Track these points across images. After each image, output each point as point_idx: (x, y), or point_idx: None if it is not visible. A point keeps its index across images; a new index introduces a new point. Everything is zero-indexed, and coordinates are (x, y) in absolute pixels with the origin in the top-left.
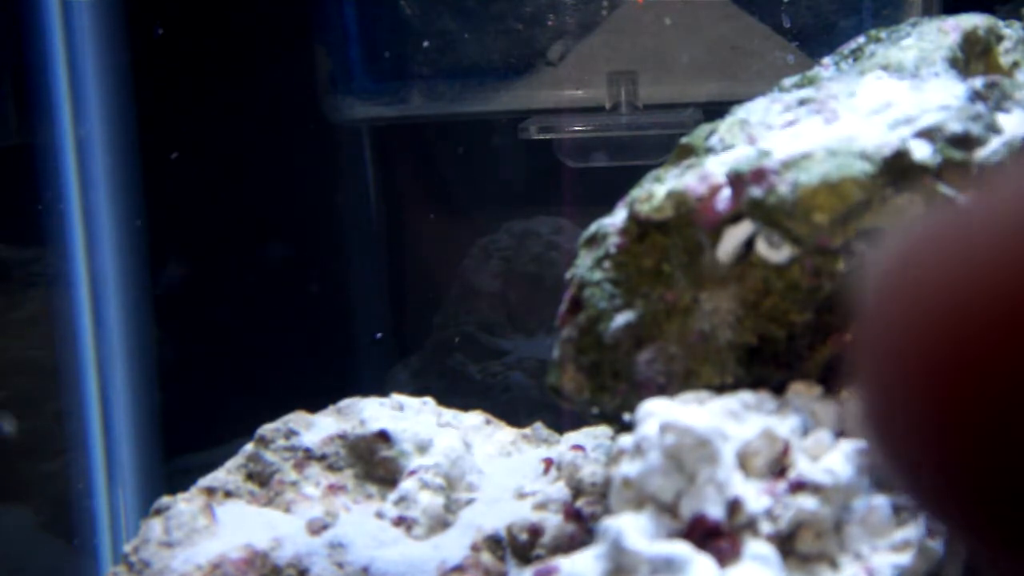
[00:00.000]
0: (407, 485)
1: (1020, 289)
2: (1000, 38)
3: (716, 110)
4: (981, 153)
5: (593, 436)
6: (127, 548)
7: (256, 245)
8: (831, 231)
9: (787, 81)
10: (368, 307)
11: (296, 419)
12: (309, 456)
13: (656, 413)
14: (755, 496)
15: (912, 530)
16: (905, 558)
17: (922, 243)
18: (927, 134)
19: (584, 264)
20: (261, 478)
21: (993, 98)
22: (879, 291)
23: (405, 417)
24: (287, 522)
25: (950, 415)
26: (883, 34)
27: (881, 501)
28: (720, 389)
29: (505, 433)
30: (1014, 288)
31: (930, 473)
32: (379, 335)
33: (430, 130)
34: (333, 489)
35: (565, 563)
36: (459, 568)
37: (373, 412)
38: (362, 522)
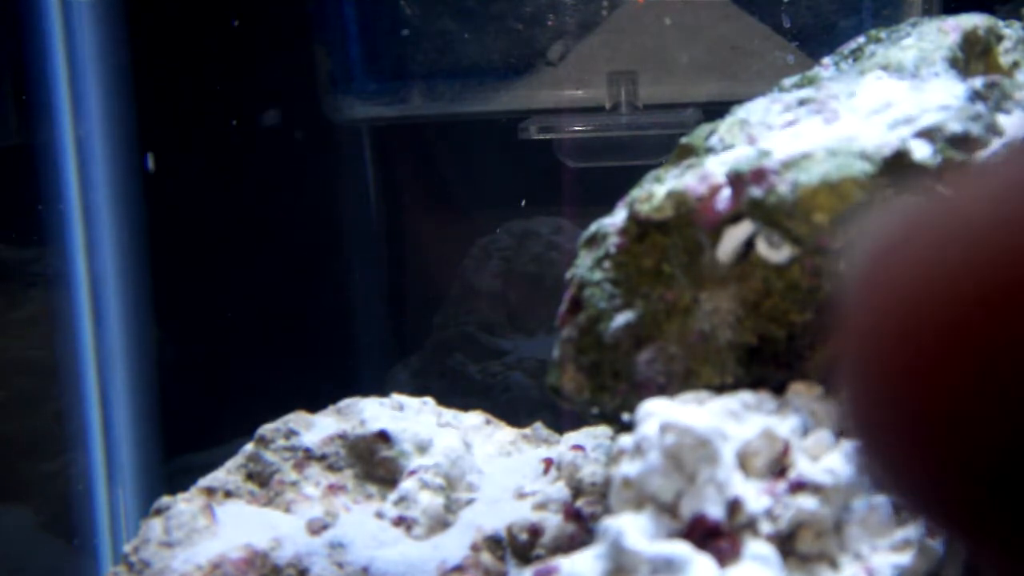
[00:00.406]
0: (407, 485)
1: (1003, 282)
2: (1000, 38)
3: (716, 110)
4: (981, 153)
5: (593, 436)
6: (127, 548)
7: (256, 245)
8: (831, 231)
9: (787, 81)
10: (368, 307)
11: (296, 419)
12: (309, 456)
13: (656, 413)
14: (755, 496)
15: (912, 530)
16: (905, 558)
17: (903, 238)
18: (927, 134)
19: (584, 264)
20: (261, 478)
21: (993, 98)
22: (860, 288)
23: (405, 417)
24: (287, 522)
25: (932, 413)
26: (883, 34)
27: (881, 501)
28: (720, 389)
29: (505, 433)
30: (997, 282)
31: (914, 472)
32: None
33: (430, 130)
34: (333, 489)
35: (565, 563)
36: (459, 568)
37: (373, 412)
38: (362, 522)
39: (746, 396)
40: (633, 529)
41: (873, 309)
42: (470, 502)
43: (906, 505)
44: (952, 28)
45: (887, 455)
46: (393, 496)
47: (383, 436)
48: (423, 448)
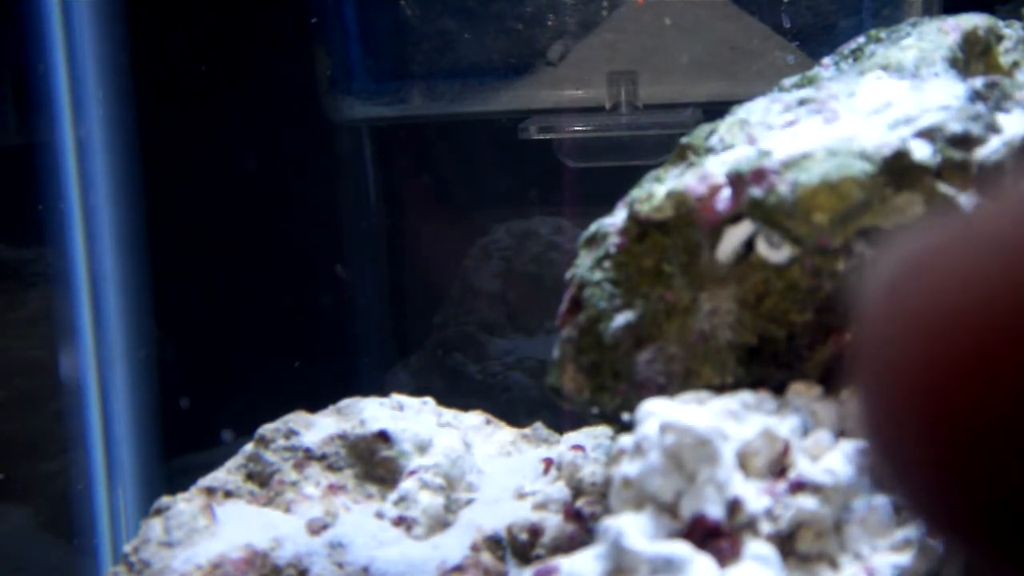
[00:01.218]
0: (407, 485)
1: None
2: (1000, 38)
3: (716, 110)
4: (981, 153)
5: (593, 436)
6: (127, 548)
7: (256, 245)
8: (831, 231)
9: (787, 81)
10: (368, 307)
11: (296, 419)
12: (309, 456)
13: (656, 413)
14: (755, 496)
15: (912, 530)
16: (905, 558)
17: (929, 251)
18: (927, 134)
19: (584, 264)
20: (261, 478)
21: (993, 98)
22: (884, 297)
23: (405, 417)
24: (287, 522)
25: (952, 422)
26: (883, 34)
27: (881, 501)
28: (720, 389)
29: (505, 433)
30: (1019, 298)
31: (930, 479)
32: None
33: (430, 130)
34: (333, 489)
35: (565, 563)
36: (459, 568)
37: (373, 412)
38: (362, 522)
39: (746, 396)
40: (633, 529)
41: (897, 323)
42: (470, 502)
43: (925, 516)
44: (952, 28)
45: (908, 467)
46: (393, 496)
47: (383, 436)
48: (423, 448)
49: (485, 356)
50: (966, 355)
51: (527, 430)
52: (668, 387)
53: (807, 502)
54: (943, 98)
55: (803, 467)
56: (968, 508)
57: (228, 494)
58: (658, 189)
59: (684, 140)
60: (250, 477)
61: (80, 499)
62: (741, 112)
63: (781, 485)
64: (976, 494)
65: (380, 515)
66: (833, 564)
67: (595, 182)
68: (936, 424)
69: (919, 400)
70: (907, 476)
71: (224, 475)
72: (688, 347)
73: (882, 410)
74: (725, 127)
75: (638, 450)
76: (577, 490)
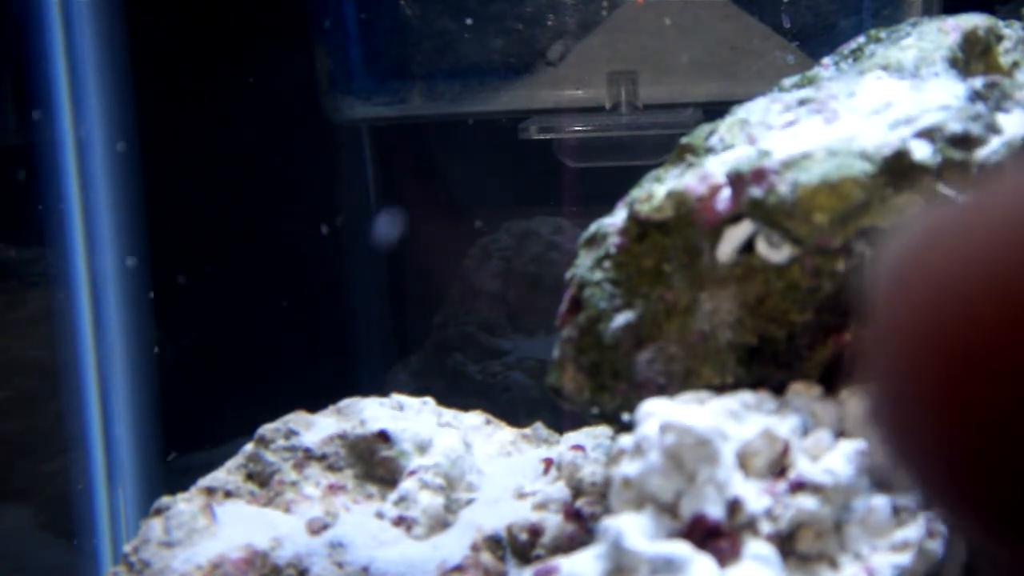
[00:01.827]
0: (407, 485)
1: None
2: (1000, 38)
3: (716, 110)
4: (981, 153)
5: (593, 436)
6: (127, 548)
7: (256, 245)
8: (831, 231)
9: (787, 81)
10: (368, 307)
11: (296, 419)
12: (309, 456)
13: (656, 413)
14: (755, 496)
15: (912, 530)
16: (905, 558)
17: (931, 242)
18: (927, 134)
19: (584, 264)
20: (261, 478)
21: (993, 98)
22: (888, 289)
23: (405, 417)
24: (287, 522)
25: (960, 412)
26: (883, 34)
27: (881, 501)
28: (720, 389)
29: (505, 433)
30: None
31: (938, 470)
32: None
33: (430, 130)
34: (333, 489)
35: (565, 563)
36: (459, 568)
37: (373, 412)
38: (362, 522)
39: (746, 396)
40: (633, 529)
41: (905, 311)
42: (470, 502)
43: (932, 505)
44: (952, 28)
45: (919, 456)
46: (393, 496)
47: (383, 436)
48: (423, 448)
49: (485, 356)
50: (978, 341)
51: (527, 430)
52: (668, 387)
53: (807, 502)
54: (943, 98)
55: (803, 467)
56: (983, 495)
57: (228, 494)
58: (658, 189)
59: (684, 140)
60: (250, 477)
61: (80, 499)
62: (741, 112)
63: (781, 485)
64: (991, 480)
65: (380, 515)
66: (833, 564)
67: (595, 182)
68: (949, 411)
69: (929, 388)
70: (917, 465)
71: (224, 475)
72: (688, 347)
73: (891, 400)
74: (725, 127)
75: (638, 450)
76: (577, 490)
